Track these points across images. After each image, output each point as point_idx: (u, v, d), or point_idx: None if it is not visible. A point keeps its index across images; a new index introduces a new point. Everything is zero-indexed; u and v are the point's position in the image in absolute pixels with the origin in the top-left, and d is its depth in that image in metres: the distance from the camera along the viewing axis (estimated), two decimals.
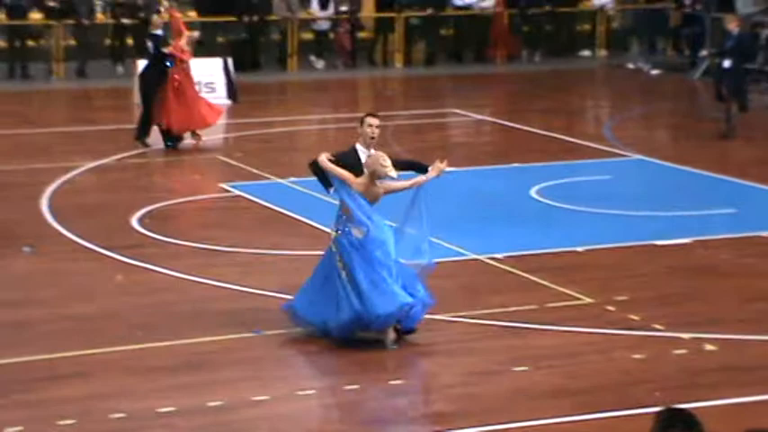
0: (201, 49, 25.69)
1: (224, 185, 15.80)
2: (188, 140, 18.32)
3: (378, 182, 10.03)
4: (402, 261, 10.17)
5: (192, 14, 26.03)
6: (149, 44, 18.28)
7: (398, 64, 27.14)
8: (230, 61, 22.90)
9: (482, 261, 12.73)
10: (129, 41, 25.19)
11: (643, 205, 14.86)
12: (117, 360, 9.86)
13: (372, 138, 10.54)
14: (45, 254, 12.80)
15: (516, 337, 10.48)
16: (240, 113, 21.48)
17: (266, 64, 26.41)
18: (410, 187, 10.32)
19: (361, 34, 27.37)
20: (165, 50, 17.97)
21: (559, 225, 14.13)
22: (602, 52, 28.67)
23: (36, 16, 24.81)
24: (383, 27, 27.14)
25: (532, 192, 15.56)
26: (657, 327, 10.61)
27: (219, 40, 25.99)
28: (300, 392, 9.28)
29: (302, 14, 26.66)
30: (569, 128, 20.50)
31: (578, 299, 11.47)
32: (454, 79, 25.96)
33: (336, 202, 10.35)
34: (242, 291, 11.63)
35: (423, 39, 27.53)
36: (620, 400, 9.04)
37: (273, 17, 26.36)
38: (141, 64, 22.00)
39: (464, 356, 10.05)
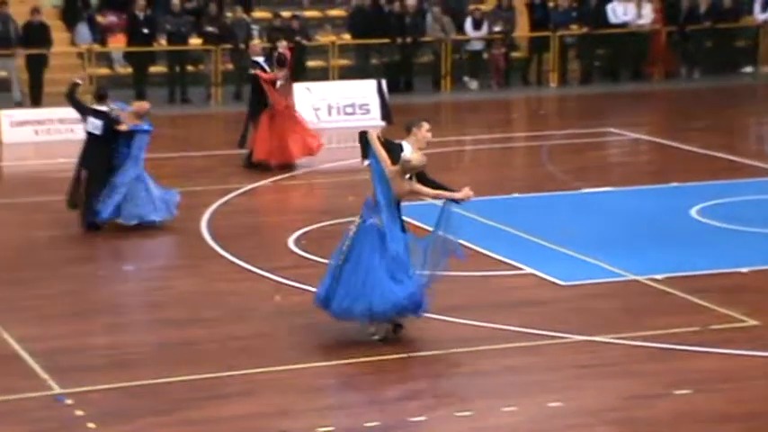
0: (355, 71, 26.05)
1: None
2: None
3: (406, 178, 10.40)
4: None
5: (347, 37, 26.34)
6: (250, 71, 18.67)
7: (553, 83, 26.97)
8: (384, 83, 23.07)
9: (641, 282, 12.52)
10: None
11: None
12: (278, 379, 9.98)
13: (427, 144, 10.97)
14: (206, 274, 13.03)
15: (679, 360, 10.26)
16: (394, 135, 21.51)
17: (420, 85, 26.52)
18: (434, 197, 10.63)
19: (515, 54, 27.28)
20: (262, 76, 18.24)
21: (722, 246, 13.82)
22: (765, 69, 27.97)
23: (195, 42, 25.41)
24: (537, 46, 27.00)
25: (693, 212, 15.25)
26: None
27: (373, 62, 26.21)
28: (458, 414, 9.24)
29: (456, 35, 26.71)
30: (730, 146, 20.05)
31: (743, 321, 11.18)
32: (610, 98, 25.66)
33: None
34: None
35: (578, 57, 27.30)
36: None
37: (427, 38, 26.47)
38: (297, 88, 22.39)
39: (625, 379, 9.88)
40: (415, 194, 10.57)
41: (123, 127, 14.51)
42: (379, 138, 10.60)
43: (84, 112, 14.89)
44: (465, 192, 10.67)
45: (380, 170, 10.43)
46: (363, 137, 10.79)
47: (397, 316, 10.57)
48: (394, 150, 10.70)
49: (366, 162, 10.67)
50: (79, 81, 15.44)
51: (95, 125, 14.68)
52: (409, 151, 10.68)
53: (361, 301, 10.36)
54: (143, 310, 11.93)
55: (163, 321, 11.53)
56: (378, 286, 10.27)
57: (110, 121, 14.61)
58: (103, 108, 14.72)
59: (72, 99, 15.13)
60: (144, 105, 15.32)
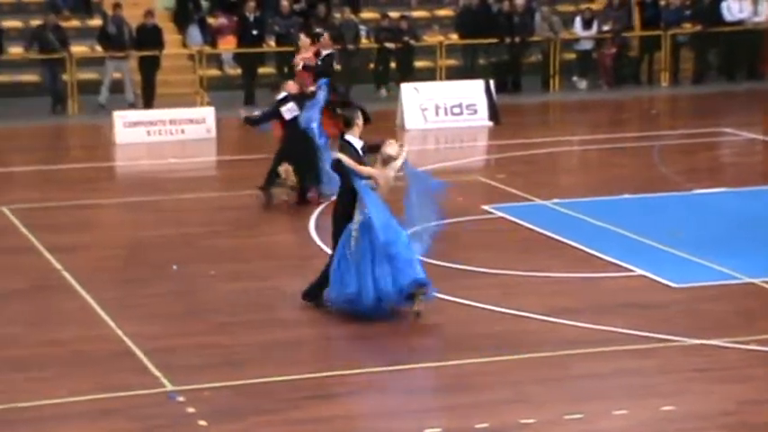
0: (462, 71, 25.96)
1: (486, 207, 15.81)
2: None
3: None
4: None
5: (454, 37, 26.29)
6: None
7: (664, 83, 26.58)
8: (492, 83, 22.96)
9: (756, 284, 12.26)
10: (393, 65, 25.64)
11: None
12: (383, 380, 9.98)
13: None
14: (314, 275, 13.14)
15: None
16: (502, 135, 21.49)
17: (528, 85, 26.36)
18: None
19: (626, 53, 26.93)
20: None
21: None
22: None
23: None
24: (649, 45, 26.62)
25: None
26: None
27: (481, 61, 26.12)
28: (567, 416, 9.14)
29: (565, 35, 26.48)
30: None
31: None
32: (724, 97, 25.21)
33: None
34: (503, 312, 11.61)
35: (691, 56, 26.86)
36: None
37: (536, 38, 26.28)
38: (404, 88, 22.43)
39: (739, 383, 9.68)
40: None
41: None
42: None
43: (275, 110, 15.72)
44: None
45: (366, 190, 11.40)
46: (338, 165, 11.54)
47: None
48: (346, 150, 11.49)
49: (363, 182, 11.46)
50: (245, 114, 16.61)
51: (291, 109, 15.53)
52: (357, 143, 11.54)
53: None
54: (253, 309, 12.03)
55: (271, 321, 11.61)
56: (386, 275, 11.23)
57: (300, 99, 15.68)
58: (282, 93, 15.70)
59: (254, 122, 16.09)
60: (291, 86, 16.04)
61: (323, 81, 16.54)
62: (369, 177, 11.41)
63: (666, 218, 15.01)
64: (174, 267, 13.13)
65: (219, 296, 12.39)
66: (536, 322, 11.04)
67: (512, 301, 11.86)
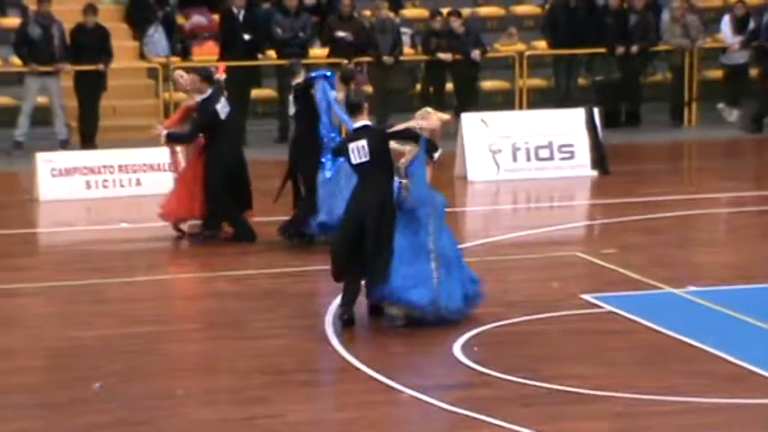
0: (553, 95, 26.01)
1: (588, 297, 15.76)
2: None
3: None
4: None
5: (541, 45, 26.39)
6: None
7: None
8: (597, 113, 22.98)
9: None
10: (449, 86, 25.76)
11: None
12: None
13: None
14: (331, 395, 13.06)
15: None
16: (612, 190, 21.44)
17: (651, 116, 26.37)
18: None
19: None
20: None
21: None
22: None
23: (319, 53, 25.81)
24: None
25: None
26: None
27: (581, 82, 26.18)
28: None
29: (707, 42, 26.51)
30: None
31: None
32: None
33: None
34: None
35: None
36: None
37: (663, 47, 26.32)
38: (466, 120, 22.45)
39: None
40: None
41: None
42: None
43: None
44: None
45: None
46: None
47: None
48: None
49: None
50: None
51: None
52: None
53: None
54: None
55: None
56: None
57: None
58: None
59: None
60: None
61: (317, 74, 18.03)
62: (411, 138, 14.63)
63: None
64: (97, 386, 13.06)
65: (188, 429, 12.34)
66: None
67: None
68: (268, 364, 13.90)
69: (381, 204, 14.54)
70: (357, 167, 14.77)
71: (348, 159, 14.78)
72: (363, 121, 14.85)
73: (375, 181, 14.62)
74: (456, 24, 25.76)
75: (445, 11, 26.28)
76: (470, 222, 20.20)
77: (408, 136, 14.64)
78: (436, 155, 14.80)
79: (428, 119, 14.74)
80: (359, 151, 14.61)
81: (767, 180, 22.50)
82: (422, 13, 27.65)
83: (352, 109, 15.05)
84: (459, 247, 15.15)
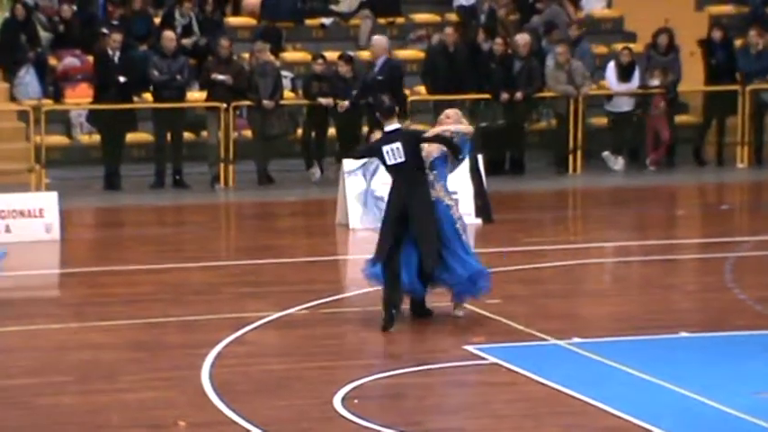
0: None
1: (471, 348, 15.80)
2: None
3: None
4: None
5: (420, 91, 26.52)
6: None
7: (741, 164, 26.97)
8: (480, 161, 23.08)
9: None
10: (331, 131, 25.80)
11: None
12: None
13: None
14: None
15: None
16: (495, 239, 21.54)
17: (535, 164, 26.54)
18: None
19: (683, 118, 27.33)
20: None
21: None
22: None
23: (196, 97, 25.76)
24: (717, 107, 26.98)
25: None
26: None
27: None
28: None
29: (591, 89, 26.76)
30: None
31: None
32: None
33: None
34: None
35: None
36: None
37: (547, 93, 26.54)
38: (349, 166, 22.49)
39: None
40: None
41: None
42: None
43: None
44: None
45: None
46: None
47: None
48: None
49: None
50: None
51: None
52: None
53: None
54: None
55: None
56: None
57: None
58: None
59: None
60: None
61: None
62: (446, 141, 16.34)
63: (746, 369, 15.03)
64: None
65: None
66: None
67: None
68: (144, 418, 13.83)
69: (422, 193, 16.19)
70: (392, 168, 16.27)
71: (382, 160, 16.29)
72: (394, 124, 16.36)
73: (412, 177, 16.17)
74: (344, 70, 25.86)
75: (327, 53, 26.41)
76: (351, 271, 20.18)
77: (441, 141, 16.28)
78: (461, 156, 16.65)
79: (461, 122, 16.65)
80: (393, 153, 16.11)
81: (652, 229, 22.70)
82: (303, 56, 27.72)
83: (385, 113, 16.44)
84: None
